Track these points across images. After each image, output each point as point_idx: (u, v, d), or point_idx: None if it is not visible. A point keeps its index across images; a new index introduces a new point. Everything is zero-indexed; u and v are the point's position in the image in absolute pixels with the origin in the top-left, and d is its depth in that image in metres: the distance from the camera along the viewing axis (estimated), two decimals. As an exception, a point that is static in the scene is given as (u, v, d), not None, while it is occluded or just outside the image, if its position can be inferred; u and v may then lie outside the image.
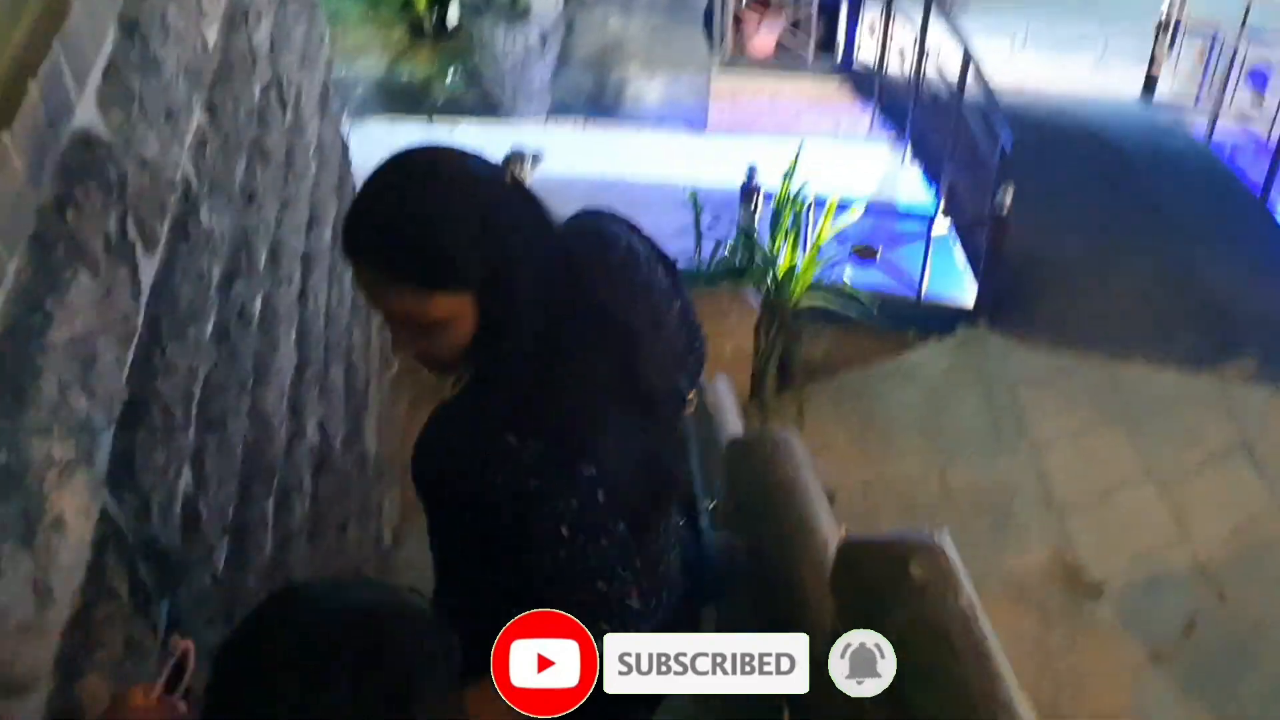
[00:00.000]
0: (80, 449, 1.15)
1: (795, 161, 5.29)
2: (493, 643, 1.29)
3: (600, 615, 1.34)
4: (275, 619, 1.06)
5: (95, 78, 1.30)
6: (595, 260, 1.46)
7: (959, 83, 5.42)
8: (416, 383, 4.88)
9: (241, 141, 2.11)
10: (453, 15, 8.01)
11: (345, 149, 3.90)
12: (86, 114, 1.26)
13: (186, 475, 1.59)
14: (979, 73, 5.23)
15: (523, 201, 1.36)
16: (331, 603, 1.08)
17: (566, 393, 1.36)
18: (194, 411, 1.64)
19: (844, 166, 6.61)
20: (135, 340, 1.37)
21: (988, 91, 5.08)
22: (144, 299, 1.42)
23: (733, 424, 3.64)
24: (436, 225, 1.27)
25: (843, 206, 5.18)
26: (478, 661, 1.26)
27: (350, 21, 8.11)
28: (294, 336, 2.52)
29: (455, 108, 7.75)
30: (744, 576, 1.98)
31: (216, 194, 1.86)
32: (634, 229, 1.60)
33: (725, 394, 3.88)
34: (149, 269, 1.46)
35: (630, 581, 1.39)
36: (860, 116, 7.20)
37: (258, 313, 2.16)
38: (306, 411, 2.60)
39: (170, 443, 1.48)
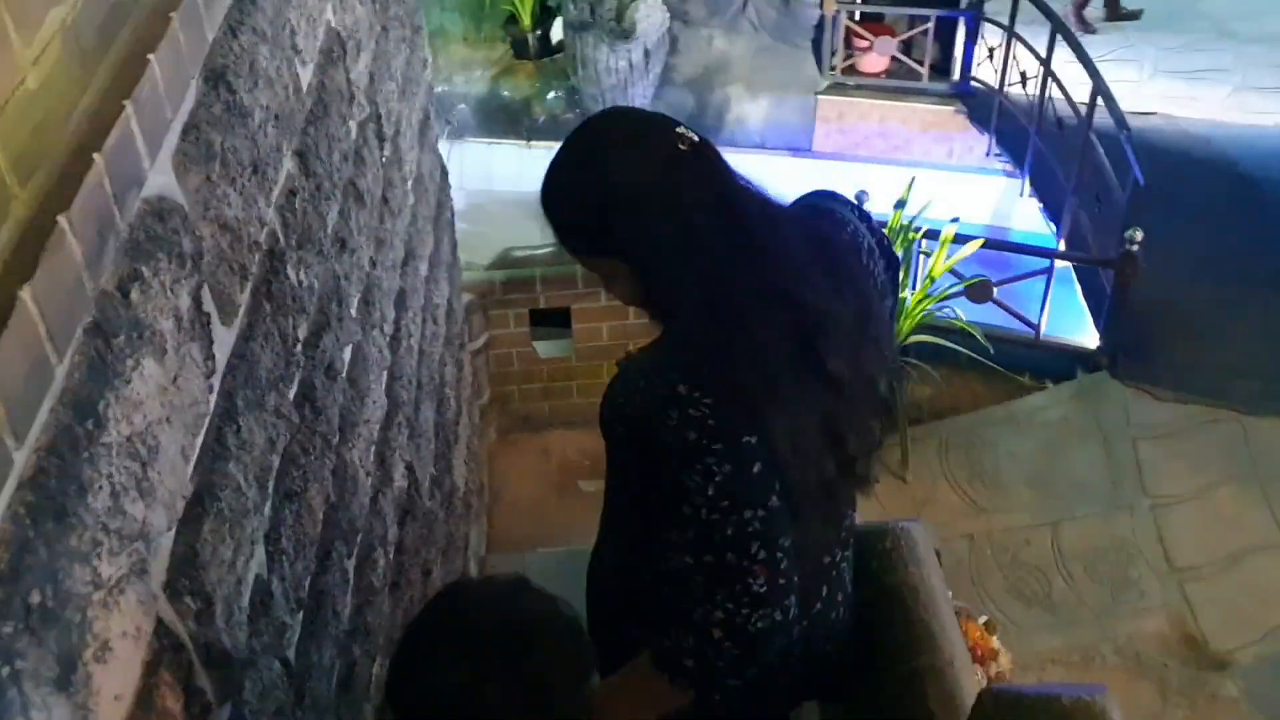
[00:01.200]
0: (133, 563, 1.02)
1: (909, 189, 5.06)
2: (646, 598, 1.49)
3: (720, 585, 1.38)
4: (445, 616, 1.31)
5: (172, 139, 1.18)
6: (810, 239, 1.50)
7: (1087, 111, 5.12)
8: (506, 412, 4.79)
9: (335, 185, 1.99)
10: (556, 32, 7.93)
11: (444, 175, 3.81)
12: (160, 179, 1.14)
13: (259, 555, 1.47)
14: (1109, 101, 4.92)
15: (696, 177, 1.41)
16: (493, 607, 1.30)
17: (739, 359, 1.39)
18: (270, 485, 1.52)
19: (957, 195, 6.32)
20: (205, 425, 1.24)
21: (1119, 121, 4.78)
22: (218, 377, 1.29)
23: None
24: (566, 199, 1.48)
25: (959, 238, 4.93)
26: (630, 619, 1.56)
27: (453, 39, 8.10)
28: (384, 383, 2.41)
29: (554, 129, 7.67)
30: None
31: (306, 246, 1.74)
32: (865, 217, 1.66)
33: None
34: (226, 341, 1.34)
35: (765, 562, 1.38)
36: (975, 143, 6.91)
37: (346, 365, 2.04)
38: (395, 458, 2.49)
39: (241, 528, 1.36)
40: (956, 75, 7.05)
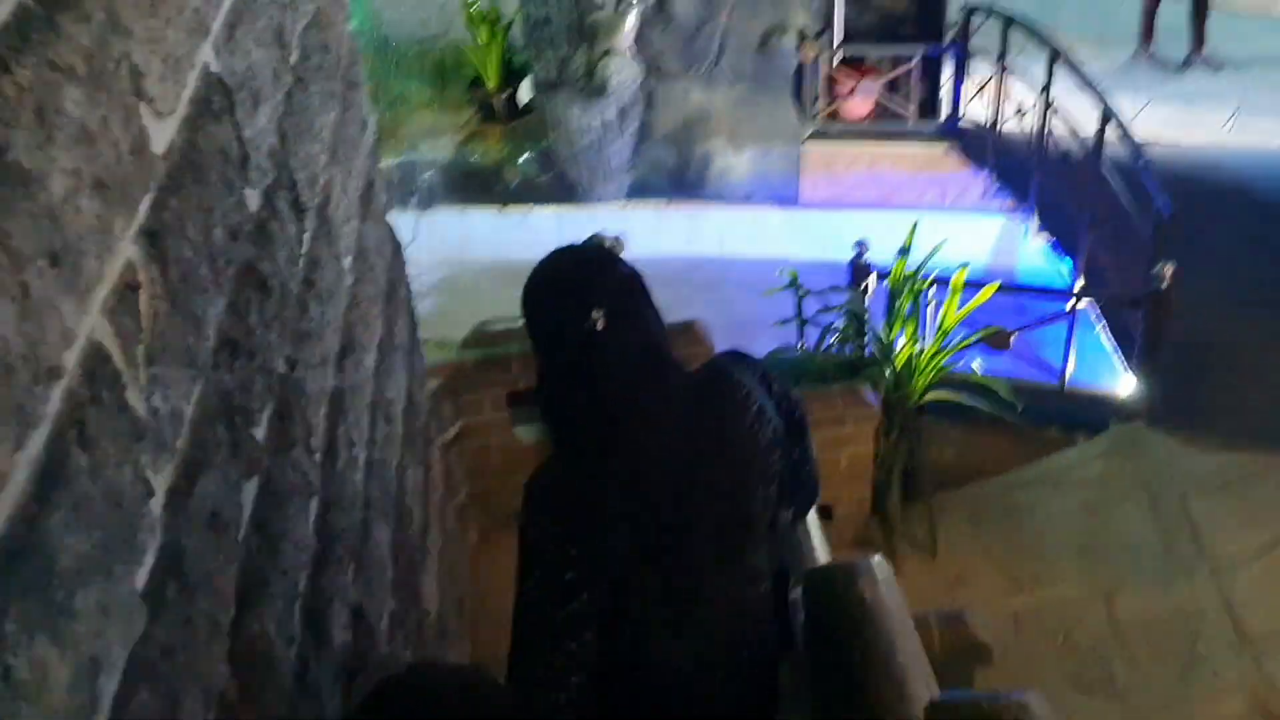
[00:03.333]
0: None
1: (912, 235, 4.64)
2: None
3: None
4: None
5: None
6: (694, 400, 1.76)
7: (1096, 140, 4.72)
8: (486, 510, 4.28)
9: (220, 272, 1.53)
10: (524, 93, 7.57)
11: (397, 248, 3.36)
12: None
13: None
14: (1123, 129, 4.53)
15: (592, 353, 1.66)
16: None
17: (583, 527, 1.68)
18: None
19: (958, 239, 5.89)
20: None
21: (1135, 149, 4.38)
22: None
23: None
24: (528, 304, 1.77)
25: (969, 285, 4.50)
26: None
27: (417, 105, 7.72)
28: (313, 516, 1.92)
29: (529, 193, 7.28)
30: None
31: (163, 359, 1.27)
32: (767, 379, 1.86)
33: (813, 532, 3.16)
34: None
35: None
36: (972, 183, 6.53)
37: (247, 508, 1.56)
38: (334, 610, 1.99)
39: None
40: (945, 114, 6.68)
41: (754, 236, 7.21)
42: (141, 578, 1.16)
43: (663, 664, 1.83)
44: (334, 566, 2.04)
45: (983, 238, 6.42)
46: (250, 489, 1.60)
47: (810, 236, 7.13)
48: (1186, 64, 7.44)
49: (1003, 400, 4.43)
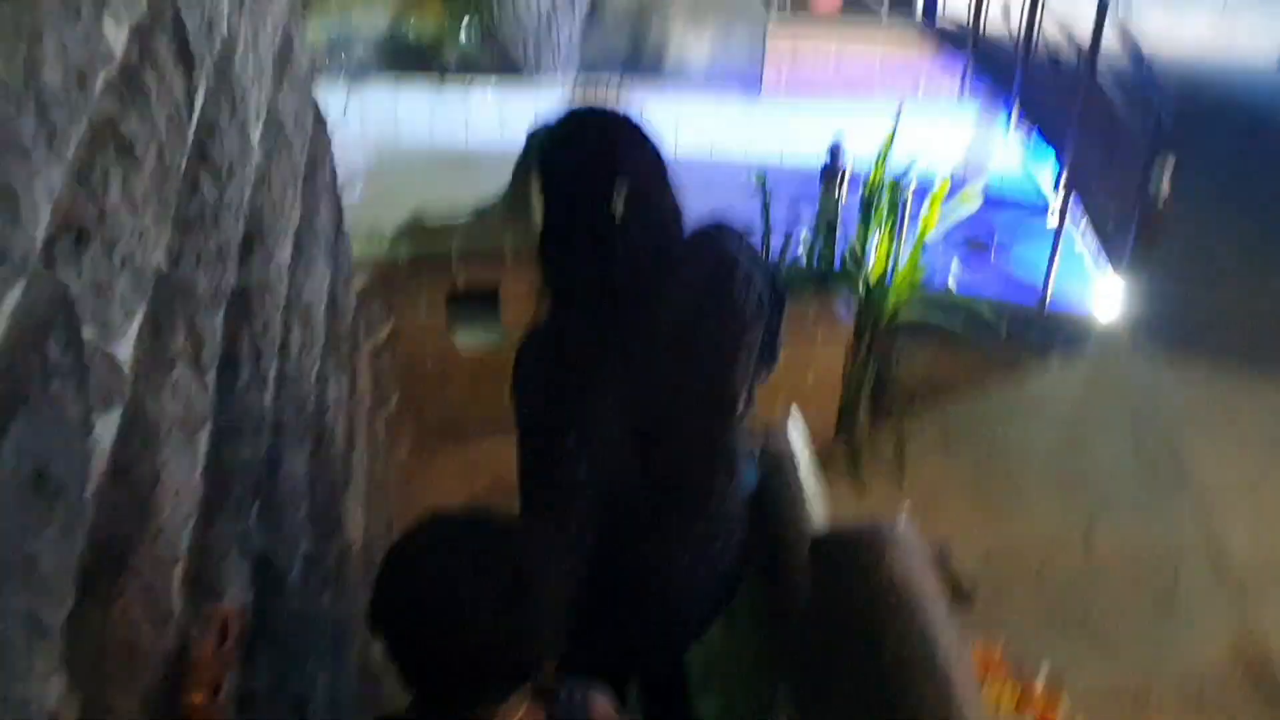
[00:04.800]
0: None
1: (892, 135, 4.23)
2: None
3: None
4: (422, 533, 1.33)
5: None
6: (688, 267, 1.67)
7: (1093, 37, 4.32)
8: (420, 420, 3.88)
9: (52, 132, 1.08)
10: (467, -40, 6.93)
11: (321, 122, 2.88)
12: None
13: None
14: (1120, 26, 4.14)
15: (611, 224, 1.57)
16: (471, 521, 1.34)
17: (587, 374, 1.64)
18: None
19: (926, 137, 5.50)
20: None
21: (1134, 48, 4.00)
22: None
23: (809, 483, 2.65)
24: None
25: (953, 190, 4.13)
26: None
27: (349, -32, 7.04)
28: (201, 451, 1.51)
29: (470, 67, 6.69)
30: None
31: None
32: (752, 247, 1.79)
33: (798, 442, 2.82)
34: None
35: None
36: (946, 76, 6.10)
37: (100, 459, 1.15)
38: (226, 567, 1.60)
39: None
40: (920, 11, 6.21)
41: (713, 129, 6.73)
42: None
43: (647, 565, 1.82)
44: (230, 512, 1.64)
45: (954, 138, 6.02)
46: (106, 426, 1.18)
47: (773, 131, 6.68)
48: None
49: (982, 321, 4.11)
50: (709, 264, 1.69)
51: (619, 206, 1.54)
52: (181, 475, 1.43)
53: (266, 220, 2.06)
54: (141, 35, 1.38)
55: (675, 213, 1.66)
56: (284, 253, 2.21)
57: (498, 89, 6.73)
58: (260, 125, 2.11)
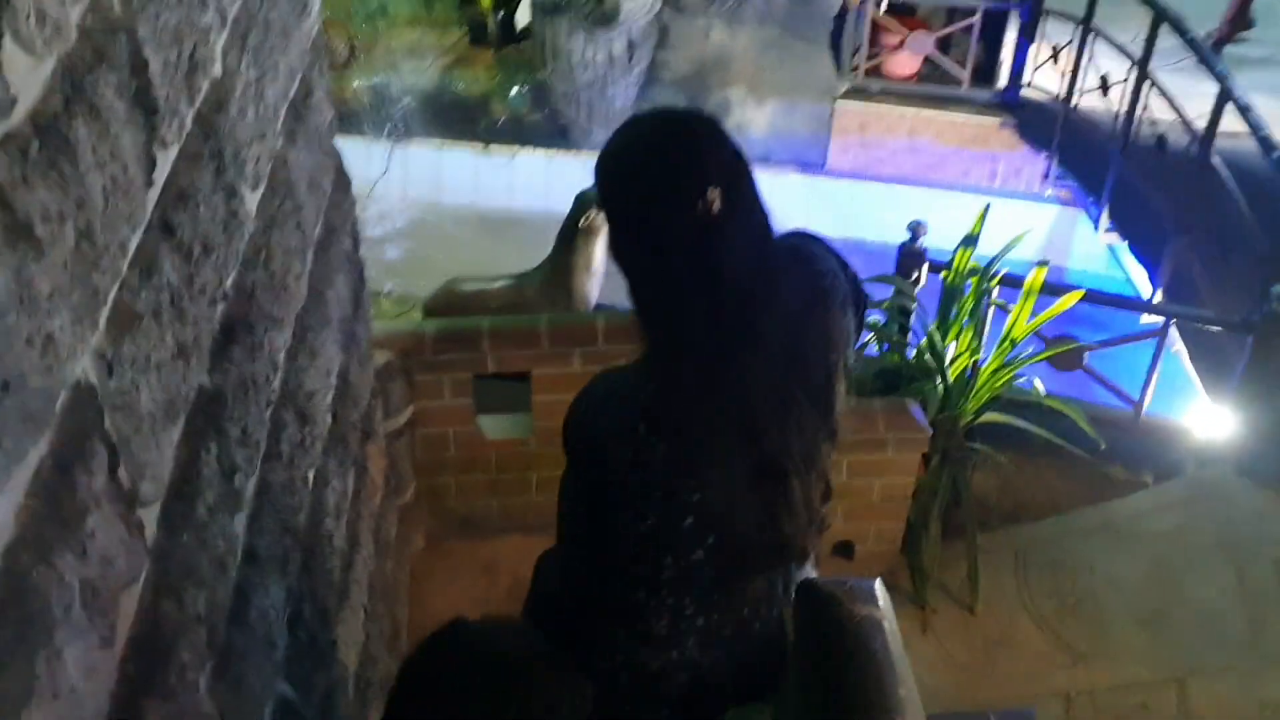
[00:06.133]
0: None
1: (980, 221, 3.85)
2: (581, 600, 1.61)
3: (623, 622, 1.56)
4: (437, 657, 1.31)
5: None
6: (787, 294, 1.48)
7: (1208, 127, 3.92)
8: (438, 512, 3.50)
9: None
10: (522, 15, 6.68)
11: (344, 184, 2.54)
12: None
13: None
14: (1245, 114, 3.74)
15: (703, 235, 1.37)
16: (486, 647, 1.31)
17: (704, 414, 1.45)
18: None
19: (1002, 228, 5.13)
20: None
21: (1263, 141, 3.60)
22: None
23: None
24: (598, 182, 1.48)
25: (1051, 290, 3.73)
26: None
27: (398, 20, 6.81)
28: (128, 621, 1.14)
29: (517, 132, 6.45)
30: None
31: None
32: (844, 263, 1.62)
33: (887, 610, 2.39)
34: None
35: (668, 610, 1.52)
36: (1028, 164, 5.74)
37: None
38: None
39: None
40: (1004, 81, 5.87)
41: (771, 206, 6.41)
42: None
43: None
44: (169, 686, 1.26)
45: (1033, 229, 5.64)
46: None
47: (836, 210, 6.34)
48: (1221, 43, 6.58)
49: (1073, 429, 3.68)
50: (808, 276, 1.52)
51: (715, 200, 1.34)
52: (84, 658, 1.05)
53: (259, 302, 1.71)
54: (72, 73, 1.03)
55: (767, 217, 1.47)
56: (280, 338, 1.85)
57: (546, 155, 6.48)
58: (261, 189, 1.76)
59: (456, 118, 6.58)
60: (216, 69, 1.54)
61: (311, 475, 2.07)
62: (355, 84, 6.67)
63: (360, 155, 6.77)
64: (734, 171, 1.41)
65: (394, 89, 6.53)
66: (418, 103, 6.63)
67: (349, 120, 6.76)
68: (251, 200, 1.69)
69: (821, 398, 1.54)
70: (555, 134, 6.75)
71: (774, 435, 1.48)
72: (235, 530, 1.57)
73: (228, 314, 1.55)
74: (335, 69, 6.64)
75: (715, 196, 1.35)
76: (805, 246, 1.57)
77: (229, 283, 1.56)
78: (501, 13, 6.67)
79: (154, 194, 1.27)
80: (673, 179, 1.39)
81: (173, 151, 1.33)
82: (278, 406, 1.82)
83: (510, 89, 6.71)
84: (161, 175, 1.29)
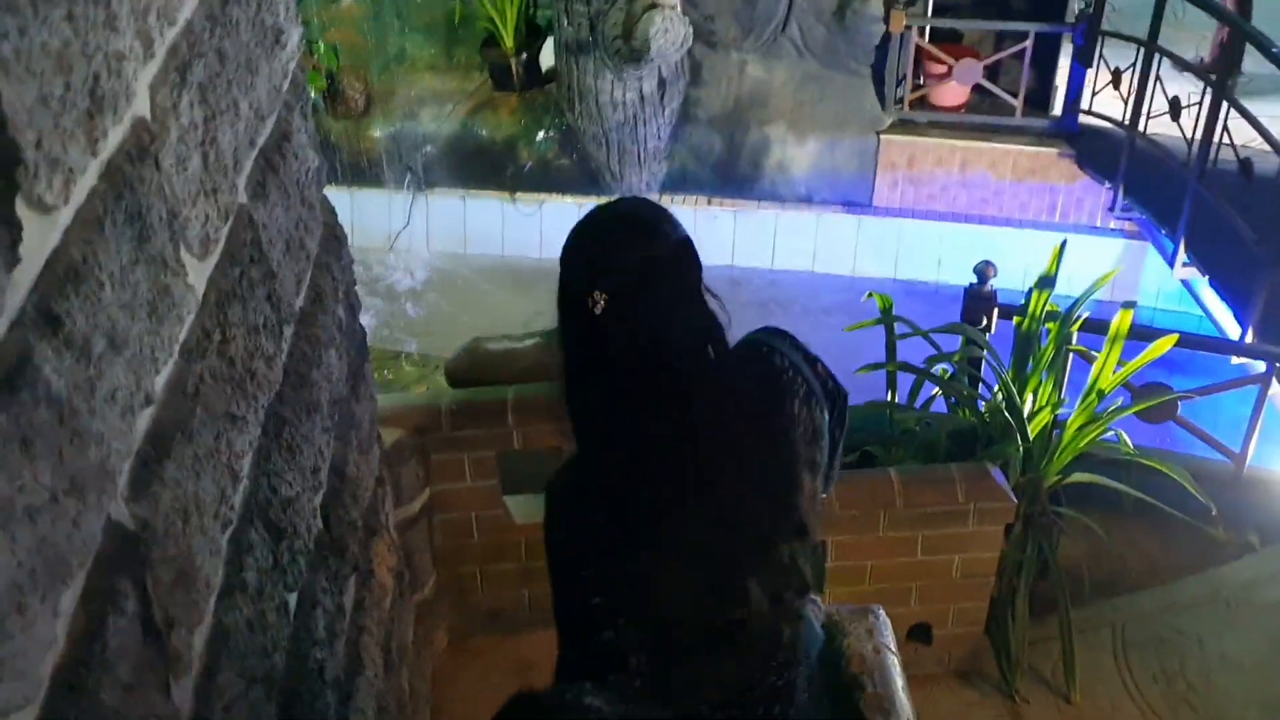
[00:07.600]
0: None
1: (1056, 260, 3.47)
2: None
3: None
4: None
5: None
6: (728, 379, 1.55)
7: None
8: (462, 606, 3.13)
9: None
10: (546, 56, 6.39)
11: (336, 241, 2.20)
12: None
13: None
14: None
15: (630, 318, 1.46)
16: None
17: (612, 496, 1.54)
18: None
19: (1070, 265, 4.73)
20: None
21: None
22: None
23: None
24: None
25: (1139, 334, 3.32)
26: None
27: (419, 66, 6.55)
28: None
29: (545, 178, 6.16)
30: None
31: None
32: (811, 358, 1.60)
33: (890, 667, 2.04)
34: None
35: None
36: (1090, 196, 5.35)
37: None
38: None
39: None
40: (1059, 108, 5.50)
41: (815, 247, 6.06)
42: None
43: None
44: None
45: (1096, 265, 5.23)
46: None
47: (884, 251, 5.98)
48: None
49: (1172, 487, 3.26)
50: (761, 373, 1.55)
51: (600, 301, 1.44)
52: None
53: (207, 399, 1.35)
54: None
55: (687, 311, 1.53)
56: (242, 439, 1.50)
57: (575, 203, 6.17)
58: (214, 256, 1.42)
59: (481, 165, 6.29)
60: (143, 104, 1.20)
61: (293, 600, 1.71)
62: (374, 133, 6.41)
63: (380, 207, 6.52)
64: (642, 273, 1.46)
65: (414, 137, 6.25)
66: (440, 151, 6.35)
67: (368, 171, 6.51)
68: (197, 271, 1.35)
69: (777, 492, 1.53)
70: (585, 180, 6.45)
71: (697, 522, 1.48)
72: (173, 706, 1.20)
73: (157, 422, 1.20)
74: (353, 118, 6.40)
75: (601, 298, 1.43)
76: (766, 342, 1.59)
77: (158, 382, 1.21)
78: (525, 55, 6.38)
79: (25, 274, 0.93)
80: (573, 269, 1.50)
81: (59, 216, 0.99)
82: (239, 526, 1.46)
83: (536, 133, 6.41)
84: (38, 249, 0.95)
